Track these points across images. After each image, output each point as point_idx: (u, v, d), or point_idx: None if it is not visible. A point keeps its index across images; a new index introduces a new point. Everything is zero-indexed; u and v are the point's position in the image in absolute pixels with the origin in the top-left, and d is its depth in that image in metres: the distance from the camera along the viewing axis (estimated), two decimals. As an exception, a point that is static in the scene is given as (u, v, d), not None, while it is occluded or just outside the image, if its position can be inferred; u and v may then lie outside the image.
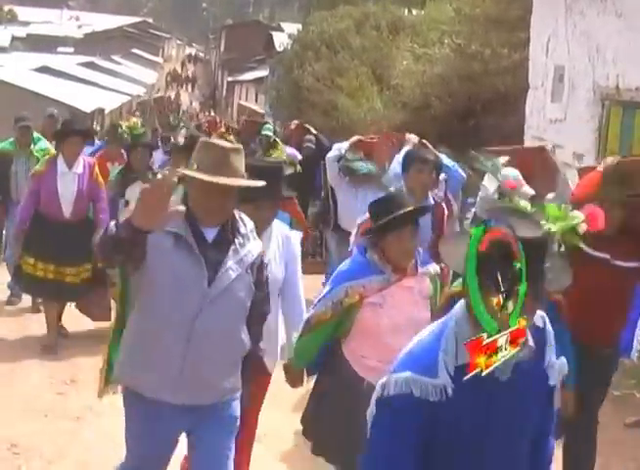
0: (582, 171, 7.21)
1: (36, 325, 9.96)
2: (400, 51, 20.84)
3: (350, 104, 20.92)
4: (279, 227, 5.73)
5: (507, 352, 4.61)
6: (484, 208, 6.82)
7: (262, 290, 4.71)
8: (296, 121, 14.99)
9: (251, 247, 4.54)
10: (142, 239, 3.99)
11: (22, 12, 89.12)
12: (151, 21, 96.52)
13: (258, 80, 48.79)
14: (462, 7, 18.29)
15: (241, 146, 4.59)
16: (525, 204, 5.33)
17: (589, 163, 10.90)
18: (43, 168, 9.43)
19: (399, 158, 8.55)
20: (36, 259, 9.32)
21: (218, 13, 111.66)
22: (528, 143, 12.68)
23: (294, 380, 5.63)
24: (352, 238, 7.82)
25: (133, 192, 9.20)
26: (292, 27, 37.34)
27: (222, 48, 73.05)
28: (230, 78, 62.88)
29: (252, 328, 4.70)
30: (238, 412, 4.76)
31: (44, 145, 11.36)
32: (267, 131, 16.26)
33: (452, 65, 17.32)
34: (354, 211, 9.45)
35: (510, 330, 4.67)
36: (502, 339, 4.63)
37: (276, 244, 5.62)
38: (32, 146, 11.24)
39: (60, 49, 70.64)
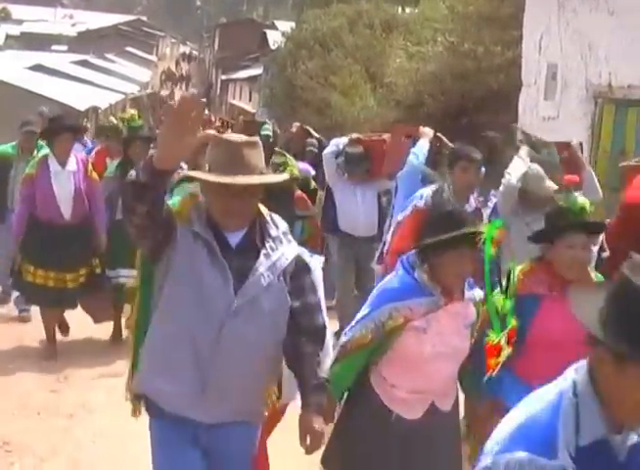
0: (628, 170, 7.18)
1: (30, 324, 9.96)
2: (393, 49, 20.85)
3: (344, 102, 20.93)
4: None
5: (506, 352, 4.74)
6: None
7: (303, 298, 4.17)
8: (297, 124, 14.77)
9: (284, 250, 4.10)
10: (161, 182, 3.64)
11: (16, 10, 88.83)
12: (145, 19, 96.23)
13: (252, 79, 48.70)
14: (455, 5, 18.29)
15: (255, 138, 4.12)
16: (583, 201, 4.93)
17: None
18: (34, 171, 8.94)
19: (420, 149, 8.22)
20: (36, 267, 8.89)
21: (212, 11, 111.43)
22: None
23: (327, 413, 4.58)
24: (388, 238, 7.47)
25: None
26: (286, 26, 37.26)
27: (216, 46, 72.95)
28: (224, 77, 62.76)
29: (303, 348, 4.14)
30: (254, 449, 4.38)
31: (47, 151, 10.35)
32: (267, 131, 16.02)
33: (445, 63, 17.33)
34: (354, 212, 9.28)
35: (507, 330, 4.77)
36: (502, 339, 4.78)
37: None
38: (35, 152, 10.31)
39: (54, 47, 70.44)
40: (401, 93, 18.51)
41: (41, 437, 7.08)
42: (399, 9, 26.05)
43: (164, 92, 64.62)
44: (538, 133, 12.48)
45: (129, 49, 74.15)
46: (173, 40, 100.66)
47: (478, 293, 4.94)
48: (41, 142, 10.59)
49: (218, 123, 17.40)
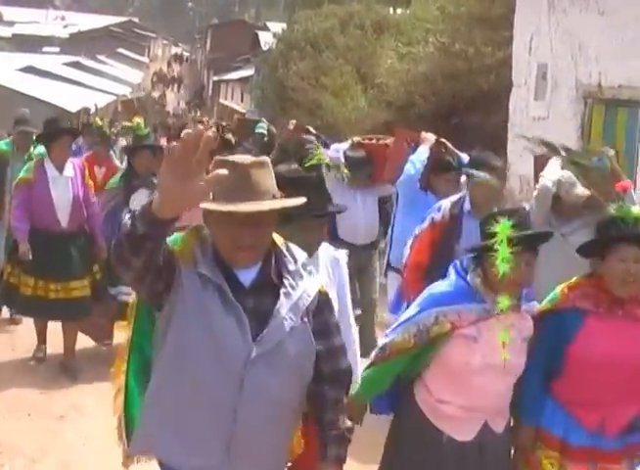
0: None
1: (22, 326, 9.94)
2: (384, 50, 20.83)
3: (335, 103, 20.90)
4: (325, 249, 4.85)
5: None
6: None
7: (328, 340, 3.71)
8: (293, 121, 14.56)
9: (305, 286, 3.60)
10: (162, 232, 3.15)
11: (8, 12, 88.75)
12: (137, 20, 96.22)
13: (244, 80, 48.69)
14: (446, 5, 18.30)
15: (265, 158, 3.60)
16: (638, 211, 4.51)
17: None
18: (31, 175, 8.53)
19: (419, 157, 7.93)
20: (36, 279, 8.48)
21: (204, 12, 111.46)
22: (511, 141, 12.72)
23: (354, 413, 4.42)
24: (406, 251, 7.00)
25: (138, 200, 8.45)
26: (277, 27, 37.31)
27: (208, 47, 73.01)
28: (216, 78, 62.78)
29: (326, 395, 3.73)
30: None
31: (43, 149, 9.93)
32: (261, 129, 15.93)
33: (436, 63, 17.32)
34: (354, 218, 8.58)
35: None
36: None
37: (326, 271, 4.78)
38: (32, 149, 9.80)
39: (45, 49, 70.36)
40: (392, 94, 18.50)
41: (31, 438, 7.09)
42: (391, 10, 26.06)
43: (156, 94, 64.58)
44: (529, 133, 12.53)
45: (121, 50, 74.21)
46: (165, 41, 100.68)
47: (535, 305, 4.60)
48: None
49: (214, 128, 17.31)
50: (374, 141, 9.00)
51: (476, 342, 4.30)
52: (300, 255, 3.69)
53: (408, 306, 4.92)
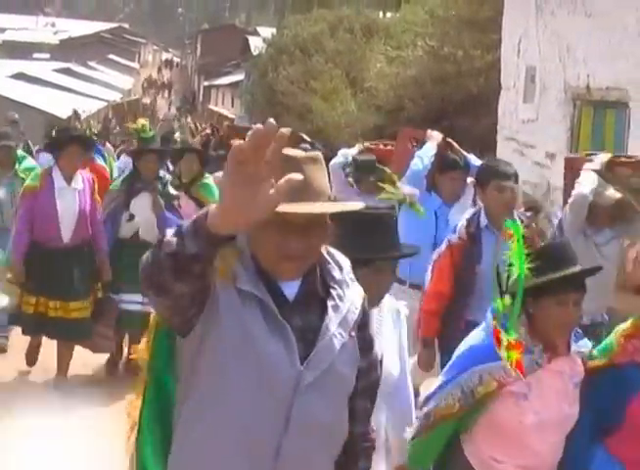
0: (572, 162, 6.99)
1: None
2: (374, 54, 20.88)
3: (325, 107, 20.93)
4: (389, 297, 4.13)
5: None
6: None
7: (370, 354, 3.21)
8: (288, 130, 14.45)
9: (352, 297, 3.06)
10: (216, 252, 2.58)
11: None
12: (127, 26, 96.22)
13: (235, 85, 48.76)
14: (435, 9, 18.35)
15: (318, 153, 3.03)
16: None
17: (562, 162, 10.94)
18: (37, 184, 8.02)
19: (426, 153, 7.50)
20: (37, 296, 8.01)
21: (194, 18, 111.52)
22: (501, 143, 12.75)
23: None
24: (429, 275, 6.36)
25: (139, 205, 8.30)
26: (268, 32, 37.35)
27: (198, 53, 73.05)
28: (206, 83, 62.83)
29: (358, 405, 3.23)
30: None
31: (30, 164, 9.86)
32: None
33: (425, 67, 17.36)
34: None
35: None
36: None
37: (391, 323, 4.15)
38: (17, 166, 9.49)
39: (36, 55, 70.26)
40: (382, 98, 18.52)
41: None
42: (380, 13, 26.11)
43: (146, 100, 64.56)
44: (518, 136, 12.56)
45: (111, 56, 74.16)
46: (155, 47, 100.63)
47: (585, 344, 4.11)
48: (22, 153, 10.07)
49: (208, 130, 17.23)
50: (381, 146, 8.72)
51: (526, 399, 3.84)
52: (345, 261, 3.13)
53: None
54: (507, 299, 3.91)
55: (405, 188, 7.47)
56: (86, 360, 8.77)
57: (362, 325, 3.09)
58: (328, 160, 13.47)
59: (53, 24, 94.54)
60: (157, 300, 2.75)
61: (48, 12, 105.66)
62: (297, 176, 2.30)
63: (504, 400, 3.86)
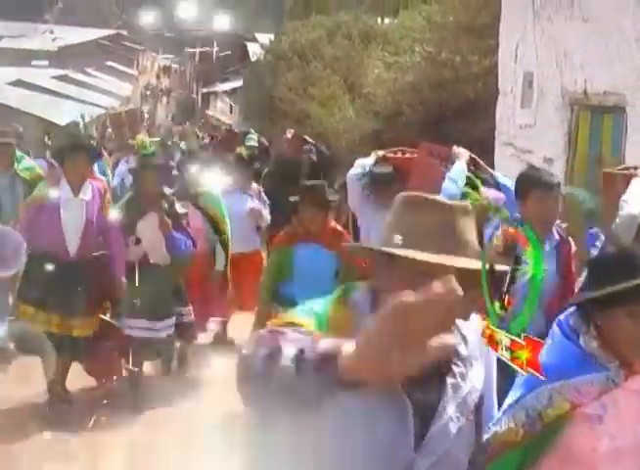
0: (609, 177, 6.80)
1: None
2: (372, 60, 20.88)
3: (323, 113, 20.94)
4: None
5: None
6: None
7: (482, 434, 2.95)
8: (291, 131, 14.12)
9: (474, 377, 2.76)
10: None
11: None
12: (125, 33, 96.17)
13: (233, 91, 48.73)
14: (433, 15, 18.38)
15: (468, 204, 2.83)
16: None
17: (559, 168, 10.97)
18: (43, 194, 7.80)
19: (458, 175, 7.05)
20: (37, 309, 7.67)
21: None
22: (499, 148, 12.75)
23: None
24: None
25: (145, 227, 8.02)
26: (266, 38, 37.33)
27: (197, 59, 73.03)
28: (205, 90, 62.81)
29: None
30: None
31: (29, 163, 9.83)
32: (252, 142, 15.30)
33: (423, 72, 17.36)
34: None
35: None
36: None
37: (477, 337, 3.68)
38: (16, 165, 9.45)
39: (34, 62, 70.25)
40: (380, 103, 18.52)
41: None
42: (378, 19, 26.12)
43: (145, 107, 64.57)
44: (516, 141, 12.57)
45: (110, 63, 74.17)
46: (153, 54, 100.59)
47: None
48: (19, 153, 9.90)
49: (207, 139, 17.23)
50: (399, 154, 8.24)
51: (601, 422, 3.26)
52: (472, 334, 2.80)
53: None
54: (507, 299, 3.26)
55: (490, 192, 7.12)
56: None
57: (479, 406, 2.82)
58: (330, 162, 13.30)
59: (51, 32, 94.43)
60: (252, 405, 2.47)
61: (46, 19, 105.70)
62: (452, 340, 1.92)
63: (578, 424, 3.28)
